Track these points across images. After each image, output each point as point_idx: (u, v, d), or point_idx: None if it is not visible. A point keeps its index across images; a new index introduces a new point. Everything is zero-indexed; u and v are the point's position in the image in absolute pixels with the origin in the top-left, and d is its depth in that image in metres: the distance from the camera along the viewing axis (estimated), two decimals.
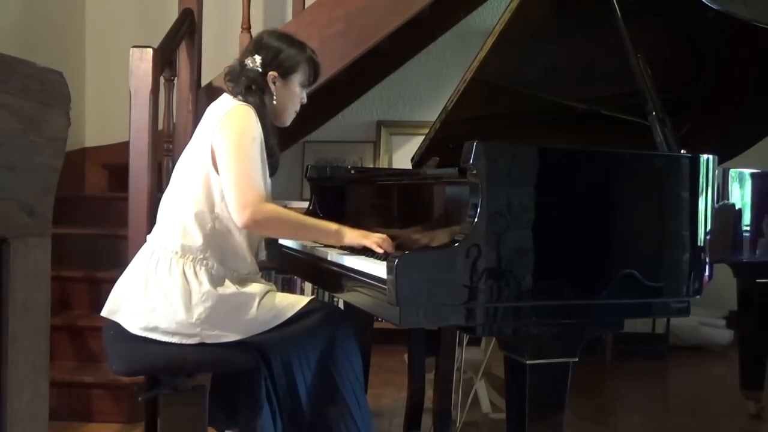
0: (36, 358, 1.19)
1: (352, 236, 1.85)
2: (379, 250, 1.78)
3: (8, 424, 1.11)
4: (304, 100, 2.05)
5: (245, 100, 1.89)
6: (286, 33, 2.02)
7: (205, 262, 1.80)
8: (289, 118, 2.03)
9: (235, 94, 1.92)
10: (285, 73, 1.95)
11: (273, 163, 1.92)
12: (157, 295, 1.79)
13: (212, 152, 1.81)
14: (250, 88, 1.91)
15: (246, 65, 1.93)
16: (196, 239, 1.81)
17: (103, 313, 1.86)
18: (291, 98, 1.99)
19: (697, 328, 4.13)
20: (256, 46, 1.96)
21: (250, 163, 1.78)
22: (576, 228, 1.55)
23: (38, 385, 1.20)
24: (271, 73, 1.94)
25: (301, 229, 1.90)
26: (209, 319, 1.77)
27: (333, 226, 1.88)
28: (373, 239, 1.81)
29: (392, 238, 1.85)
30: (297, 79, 1.98)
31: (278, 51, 1.94)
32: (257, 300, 1.81)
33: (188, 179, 1.86)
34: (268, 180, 1.89)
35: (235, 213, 1.76)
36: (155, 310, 1.78)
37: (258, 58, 1.93)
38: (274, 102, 1.95)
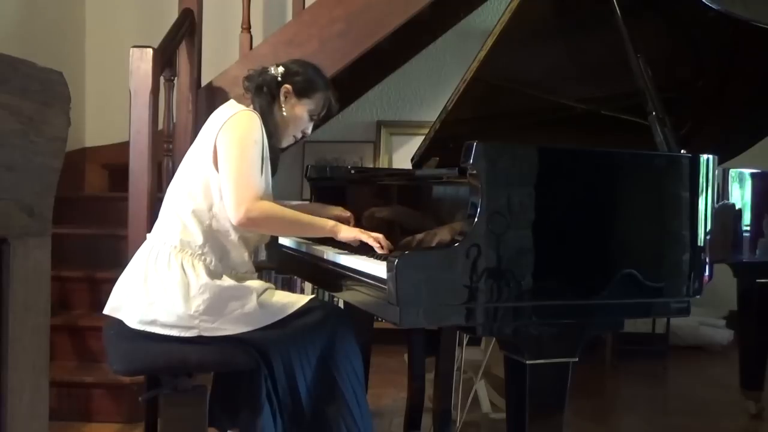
0: (36, 358, 1.19)
1: (348, 232, 1.85)
2: (377, 246, 1.79)
3: (8, 424, 1.11)
4: (308, 132, 2.06)
5: (251, 102, 1.92)
6: (319, 68, 2.04)
7: (203, 257, 1.82)
8: (286, 140, 2.03)
9: (245, 91, 1.96)
10: (300, 93, 1.97)
11: (273, 161, 1.93)
12: (156, 289, 1.80)
13: (214, 153, 1.83)
14: (261, 89, 1.94)
15: (268, 70, 1.97)
16: (195, 235, 1.82)
17: (105, 310, 1.87)
18: (295, 120, 2.00)
19: (697, 328, 4.12)
20: (287, 62, 2.01)
21: (249, 164, 1.80)
22: (576, 228, 1.55)
23: (38, 385, 1.20)
24: (287, 86, 1.96)
25: (297, 226, 1.91)
26: (208, 311, 1.77)
27: (329, 222, 1.89)
28: (371, 235, 1.82)
29: (391, 238, 1.85)
30: (309, 104, 1.99)
31: (304, 72, 1.98)
32: (255, 294, 1.82)
33: (188, 178, 1.88)
34: (270, 180, 1.91)
35: (231, 211, 1.78)
36: (154, 303, 1.79)
37: (281, 69, 1.97)
38: (283, 113, 1.96)
